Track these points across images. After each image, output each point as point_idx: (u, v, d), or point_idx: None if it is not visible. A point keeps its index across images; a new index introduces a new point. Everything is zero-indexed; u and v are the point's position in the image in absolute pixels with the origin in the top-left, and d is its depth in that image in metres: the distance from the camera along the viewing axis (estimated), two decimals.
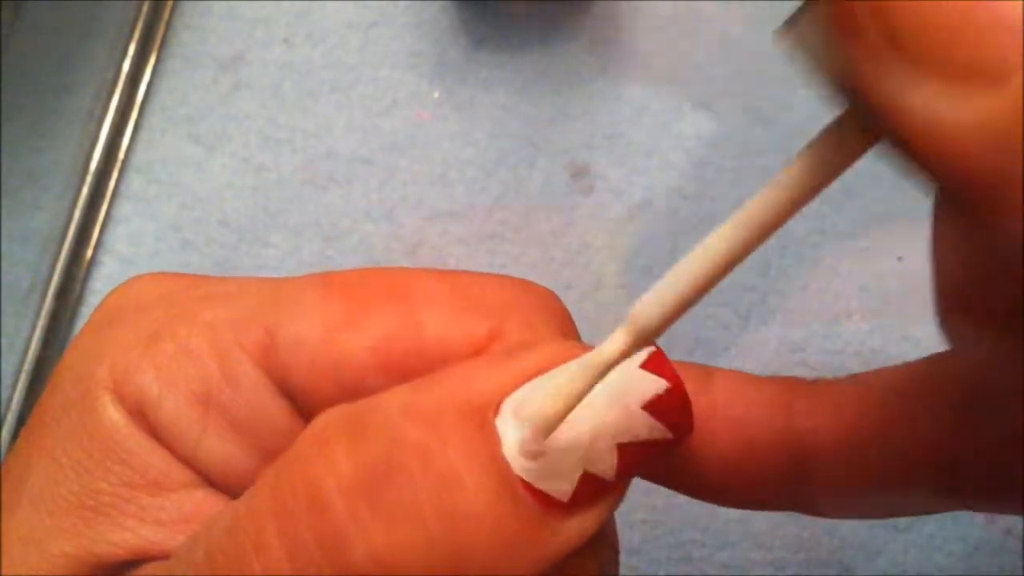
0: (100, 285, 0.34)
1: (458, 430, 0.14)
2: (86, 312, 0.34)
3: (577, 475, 0.14)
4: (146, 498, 0.16)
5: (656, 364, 0.15)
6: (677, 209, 0.34)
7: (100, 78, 0.36)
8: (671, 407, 0.15)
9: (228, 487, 0.17)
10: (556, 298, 0.18)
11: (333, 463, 0.14)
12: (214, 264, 0.34)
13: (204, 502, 0.16)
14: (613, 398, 0.15)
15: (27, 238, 0.34)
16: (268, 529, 0.14)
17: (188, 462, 0.17)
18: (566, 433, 0.14)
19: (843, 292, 0.33)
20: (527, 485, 0.14)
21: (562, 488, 0.14)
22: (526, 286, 0.18)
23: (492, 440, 0.14)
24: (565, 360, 0.15)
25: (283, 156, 0.35)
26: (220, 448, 0.17)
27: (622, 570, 0.31)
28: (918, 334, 0.33)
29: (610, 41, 0.36)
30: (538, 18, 0.37)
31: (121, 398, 0.16)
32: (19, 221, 0.35)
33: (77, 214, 0.34)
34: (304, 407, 0.17)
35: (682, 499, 0.32)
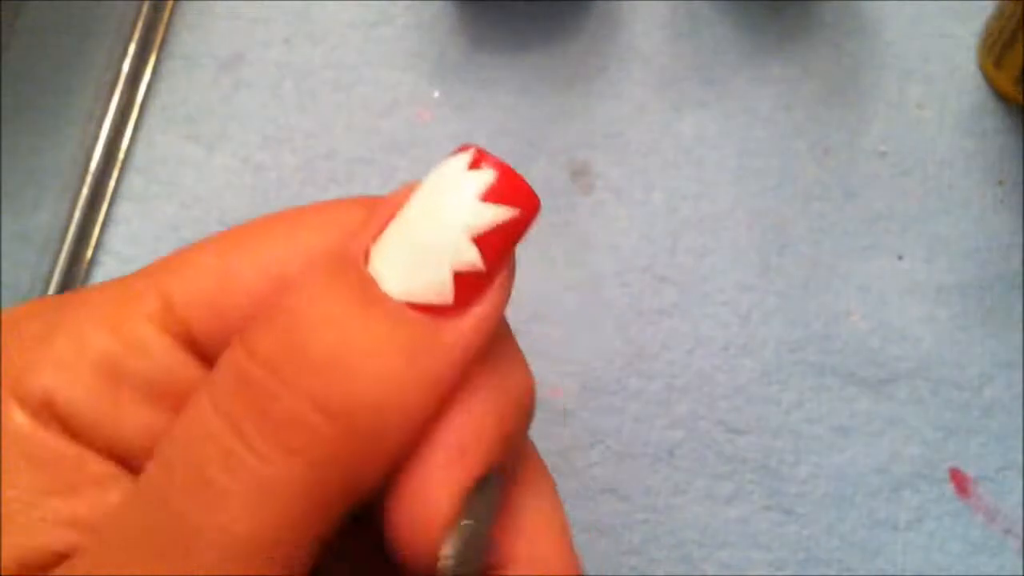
0: None
1: (338, 282, 0.16)
2: None
3: (448, 276, 0.16)
4: (58, 501, 0.16)
5: (478, 160, 0.17)
6: (677, 209, 0.34)
7: (100, 78, 0.36)
8: (506, 189, 0.17)
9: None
10: None
11: (249, 346, 0.15)
12: None
13: (126, 492, 0.16)
14: (448, 198, 0.16)
15: (27, 238, 0.34)
16: (211, 421, 0.15)
17: (110, 448, 0.16)
18: (421, 236, 0.16)
19: (843, 292, 0.33)
20: (413, 305, 0.15)
21: (442, 292, 0.16)
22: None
23: (368, 281, 0.16)
24: (410, 193, 0.16)
25: (283, 156, 0.35)
26: (140, 420, 0.16)
27: (622, 570, 0.31)
28: (918, 334, 0.33)
29: (610, 41, 0.36)
30: (538, 18, 0.37)
31: (23, 400, 0.16)
32: (19, 221, 0.35)
33: (77, 214, 0.34)
34: (215, 357, 0.17)
35: (682, 499, 0.32)
